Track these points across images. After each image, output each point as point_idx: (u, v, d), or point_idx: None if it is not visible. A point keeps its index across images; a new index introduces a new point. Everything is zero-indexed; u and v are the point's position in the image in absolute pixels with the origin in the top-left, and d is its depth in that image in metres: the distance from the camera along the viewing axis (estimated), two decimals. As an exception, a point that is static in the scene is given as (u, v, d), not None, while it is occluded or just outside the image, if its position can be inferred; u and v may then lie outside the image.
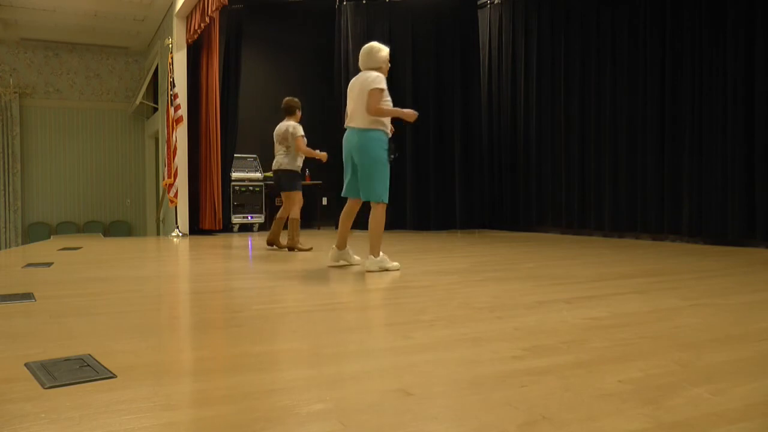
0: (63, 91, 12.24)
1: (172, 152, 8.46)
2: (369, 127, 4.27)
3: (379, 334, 2.49)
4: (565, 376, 1.77)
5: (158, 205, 10.79)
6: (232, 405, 1.56)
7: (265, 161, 8.71)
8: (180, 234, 8.40)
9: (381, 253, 4.30)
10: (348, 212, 4.53)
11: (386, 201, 4.32)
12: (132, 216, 12.79)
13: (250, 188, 9.09)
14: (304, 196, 6.17)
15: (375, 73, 4.31)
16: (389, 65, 4.47)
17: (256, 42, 9.70)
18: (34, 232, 11.72)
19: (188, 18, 8.62)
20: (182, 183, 8.53)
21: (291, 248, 5.95)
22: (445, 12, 9.17)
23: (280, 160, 6.04)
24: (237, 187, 8.99)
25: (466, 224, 9.18)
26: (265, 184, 9.10)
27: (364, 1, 9.16)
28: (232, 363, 2.00)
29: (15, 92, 11.74)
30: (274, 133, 6.12)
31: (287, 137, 5.98)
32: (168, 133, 8.54)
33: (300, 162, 6.10)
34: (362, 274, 4.16)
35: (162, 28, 10.49)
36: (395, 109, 4.38)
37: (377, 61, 4.38)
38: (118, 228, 12.54)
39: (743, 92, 6.13)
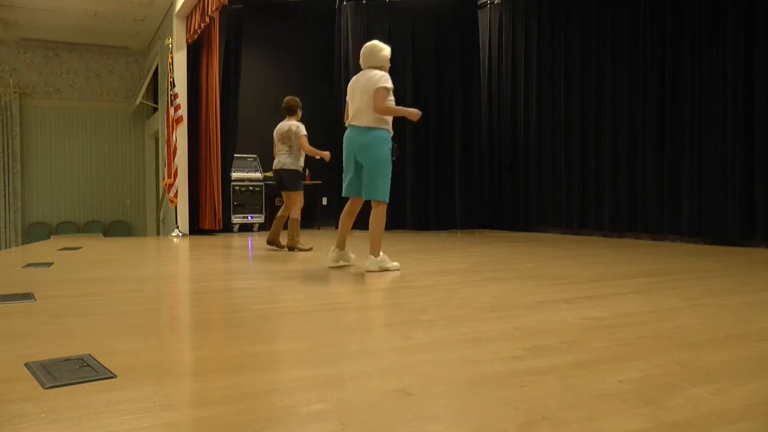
0: (63, 91, 12.24)
1: (172, 152, 8.46)
2: (374, 126, 4.25)
3: (379, 334, 2.49)
4: (565, 376, 1.77)
5: (158, 205, 10.79)
6: (232, 405, 1.56)
7: (265, 161, 8.71)
8: (180, 234, 8.40)
9: (381, 253, 4.30)
10: (349, 212, 4.51)
11: (387, 201, 4.31)
12: (132, 216, 12.79)
13: (250, 188, 9.09)
14: (304, 196, 6.17)
15: (380, 72, 4.29)
16: (389, 65, 4.47)
17: (256, 42, 9.71)
18: (34, 232, 11.72)
19: (188, 18, 8.62)
20: (182, 183, 8.53)
21: (291, 248, 5.95)
22: (445, 12, 9.17)
23: (282, 160, 6.01)
24: (237, 187, 8.99)
25: (466, 224, 9.18)
26: (265, 184, 9.10)
27: (364, 1, 9.17)
28: (232, 363, 2.00)
29: (15, 92, 11.74)
30: (275, 132, 6.10)
31: (290, 136, 5.96)
32: (168, 133, 8.54)
33: (302, 162, 6.10)
34: (362, 274, 4.16)
35: (162, 28, 10.50)
36: (401, 108, 4.37)
37: (379, 60, 4.37)
38: (118, 228, 12.54)
39: (743, 92, 6.13)
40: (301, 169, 6.09)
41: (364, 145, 4.25)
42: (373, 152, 4.24)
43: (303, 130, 5.95)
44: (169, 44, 8.72)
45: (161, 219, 10.32)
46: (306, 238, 7.16)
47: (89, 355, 2.00)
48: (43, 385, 1.69)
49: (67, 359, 1.95)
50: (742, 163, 6.14)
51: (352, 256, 4.65)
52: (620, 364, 1.91)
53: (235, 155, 9.00)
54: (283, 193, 6.19)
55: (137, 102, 12.07)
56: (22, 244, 11.24)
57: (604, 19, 7.64)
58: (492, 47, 9.49)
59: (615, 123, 7.51)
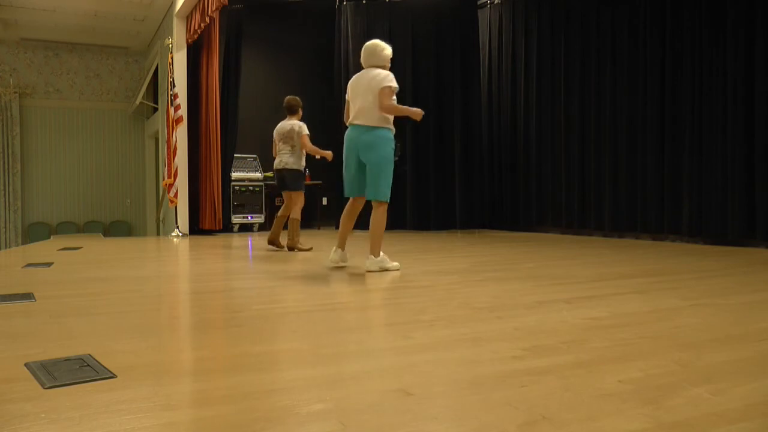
0: (63, 91, 12.24)
1: (172, 152, 8.46)
2: (379, 125, 4.22)
3: (379, 334, 2.49)
4: (565, 376, 1.77)
5: (158, 205, 10.79)
6: (232, 405, 1.56)
7: (265, 161, 8.71)
8: (180, 234, 8.40)
9: (381, 253, 4.29)
10: (350, 212, 4.48)
11: (389, 201, 4.30)
12: (132, 216, 12.79)
13: (250, 188, 9.09)
14: (304, 195, 6.17)
15: (385, 71, 4.26)
16: (390, 65, 4.46)
17: (256, 42, 9.71)
18: (34, 232, 11.72)
19: (188, 18, 8.62)
20: (182, 183, 8.53)
21: (291, 248, 5.95)
22: (445, 12, 9.17)
23: (285, 159, 5.98)
24: (237, 187, 8.99)
25: (466, 224, 9.18)
26: (265, 184, 9.10)
27: (364, 1, 9.17)
28: (232, 363, 2.00)
29: (15, 92, 11.74)
30: (276, 131, 6.07)
31: (293, 136, 5.94)
32: (168, 133, 8.54)
33: (304, 161, 6.08)
34: (362, 274, 4.16)
35: (162, 28, 10.50)
36: (405, 107, 4.35)
37: (382, 59, 4.34)
38: (118, 228, 12.54)
39: (743, 92, 6.13)
40: (303, 169, 6.08)
41: (368, 144, 4.22)
42: (377, 152, 4.21)
43: (305, 130, 5.94)
44: (169, 44, 8.73)
45: (161, 219, 10.32)
46: (306, 238, 7.16)
47: (89, 355, 2.00)
48: (43, 385, 1.69)
49: (67, 359, 1.95)
50: (742, 163, 6.14)
51: (348, 256, 4.65)
52: (620, 364, 1.91)
53: (235, 155, 9.00)
54: (284, 193, 6.18)
55: (137, 102, 12.07)
56: (22, 244, 11.24)
57: (604, 19, 7.64)
58: (492, 47, 9.49)
59: (615, 123, 7.51)
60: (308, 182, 9.03)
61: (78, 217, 12.31)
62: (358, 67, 4.49)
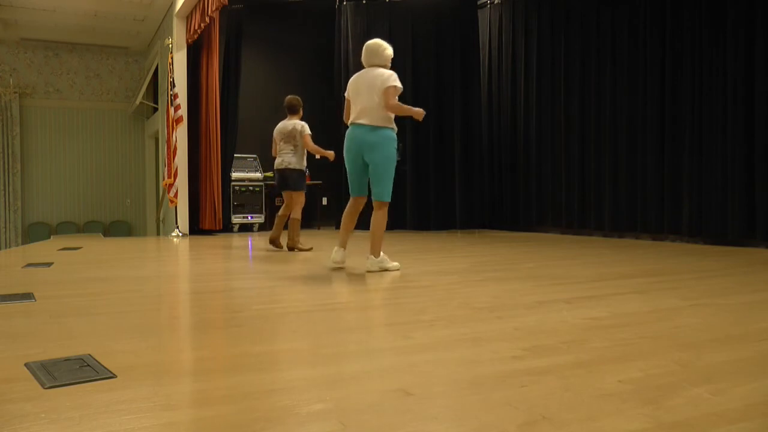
0: (63, 91, 12.24)
1: (172, 152, 8.47)
2: (384, 125, 4.20)
3: (379, 334, 2.49)
4: (565, 376, 1.77)
5: (158, 205, 10.79)
6: (232, 405, 1.56)
7: (265, 161, 8.71)
8: (180, 234, 8.40)
9: (381, 253, 4.29)
10: (352, 211, 4.44)
11: (389, 201, 4.30)
12: (132, 216, 12.79)
13: (250, 188, 9.09)
14: (305, 195, 6.16)
15: (389, 71, 4.24)
16: (390, 65, 4.45)
17: (256, 42, 9.71)
18: (34, 232, 11.72)
19: (188, 18, 8.62)
20: (182, 183, 8.53)
21: (291, 248, 5.95)
22: (445, 12, 9.17)
23: (288, 159, 5.95)
24: (237, 187, 8.99)
25: (466, 224, 9.19)
26: (265, 184, 9.10)
27: (364, 1, 9.17)
28: (232, 363, 2.00)
29: (15, 92, 11.75)
30: (277, 131, 6.05)
31: (295, 135, 5.92)
32: (168, 133, 8.54)
33: (305, 161, 6.07)
34: (362, 274, 4.16)
35: (162, 28, 10.50)
36: (410, 107, 4.34)
37: (384, 58, 4.33)
38: (118, 228, 12.54)
39: (743, 92, 6.13)
40: (305, 169, 6.07)
41: (373, 144, 4.19)
42: (382, 152, 4.19)
43: (308, 129, 5.93)
44: (169, 44, 8.73)
45: (161, 219, 10.32)
46: (306, 238, 7.16)
47: (89, 355, 2.00)
48: (43, 385, 1.69)
49: (67, 359, 1.95)
50: (742, 163, 6.14)
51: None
52: (620, 364, 1.91)
53: (235, 155, 9.00)
54: (284, 193, 6.16)
55: (137, 102, 12.07)
56: (22, 244, 11.25)
57: (604, 19, 7.64)
58: (492, 47, 9.49)
59: (615, 123, 7.51)
60: (308, 182, 9.03)
61: (78, 217, 12.31)
62: (358, 67, 4.48)
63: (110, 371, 1.81)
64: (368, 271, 4.23)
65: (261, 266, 4.89)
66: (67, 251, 6.15)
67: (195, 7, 8.20)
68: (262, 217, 9.18)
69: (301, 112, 6.07)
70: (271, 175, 6.45)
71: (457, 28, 9.19)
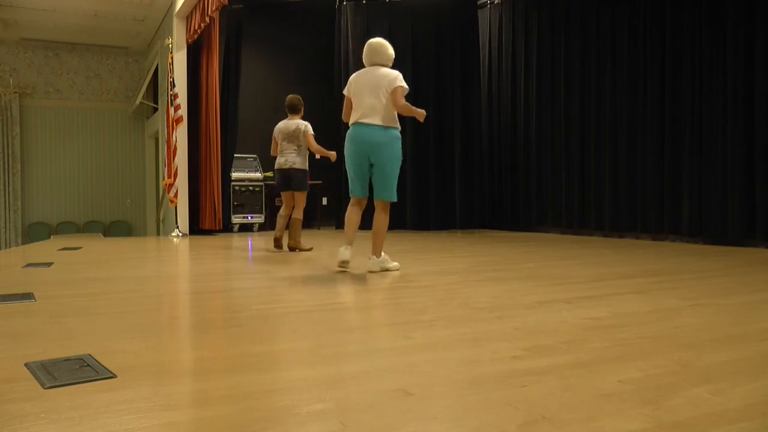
0: (63, 91, 12.25)
1: (172, 152, 8.47)
2: (391, 125, 4.19)
3: (380, 334, 2.49)
4: (565, 376, 1.77)
5: (158, 205, 10.79)
6: (232, 405, 1.56)
7: (265, 161, 8.71)
8: (180, 234, 8.40)
9: (383, 254, 4.29)
10: (356, 210, 4.38)
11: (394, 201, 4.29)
12: (132, 216, 12.79)
13: (250, 188, 9.09)
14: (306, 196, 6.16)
15: (395, 71, 4.21)
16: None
17: (256, 42, 9.71)
18: (34, 232, 11.72)
19: (188, 18, 8.62)
20: (182, 183, 8.53)
21: (292, 248, 5.94)
22: (445, 12, 9.17)
23: (291, 159, 5.91)
24: (237, 187, 8.99)
25: (466, 224, 9.19)
26: (265, 184, 9.10)
27: (364, 1, 9.17)
28: (232, 363, 2.00)
29: (15, 92, 11.75)
30: (279, 130, 5.99)
31: (298, 135, 5.89)
32: (168, 133, 8.54)
33: (307, 161, 6.06)
34: (363, 275, 4.16)
35: (162, 28, 10.50)
36: (414, 108, 4.31)
37: (387, 57, 4.30)
38: (118, 228, 12.55)
39: (743, 92, 6.13)
40: (307, 169, 6.05)
41: (381, 144, 4.16)
42: (389, 152, 4.17)
43: (311, 129, 5.90)
44: (169, 44, 8.73)
45: (161, 219, 10.32)
46: (306, 238, 7.16)
47: (89, 355, 2.00)
48: (43, 385, 1.69)
49: (67, 359, 1.95)
50: (742, 163, 6.14)
51: None
52: (620, 364, 1.91)
53: (235, 155, 9.00)
54: (284, 193, 6.11)
55: (137, 102, 12.07)
56: (22, 244, 11.25)
57: (604, 19, 7.64)
58: (492, 47, 9.50)
59: (615, 123, 7.51)
60: (308, 182, 9.03)
61: (78, 217, 12.31)
62: (358, 67, 4.47)
63: (110, 371, 1.81)
64: (370, 272, 4.23)
65: (261, 266, 4.89)
66: (67, 251, 6.15)
67: (195, 7, 8.20)
68: (262, 217, 9.18)
69: (302, 112, 6.05)
70: (272, 175, 6.42)
71: (457, 28, 9.19)
